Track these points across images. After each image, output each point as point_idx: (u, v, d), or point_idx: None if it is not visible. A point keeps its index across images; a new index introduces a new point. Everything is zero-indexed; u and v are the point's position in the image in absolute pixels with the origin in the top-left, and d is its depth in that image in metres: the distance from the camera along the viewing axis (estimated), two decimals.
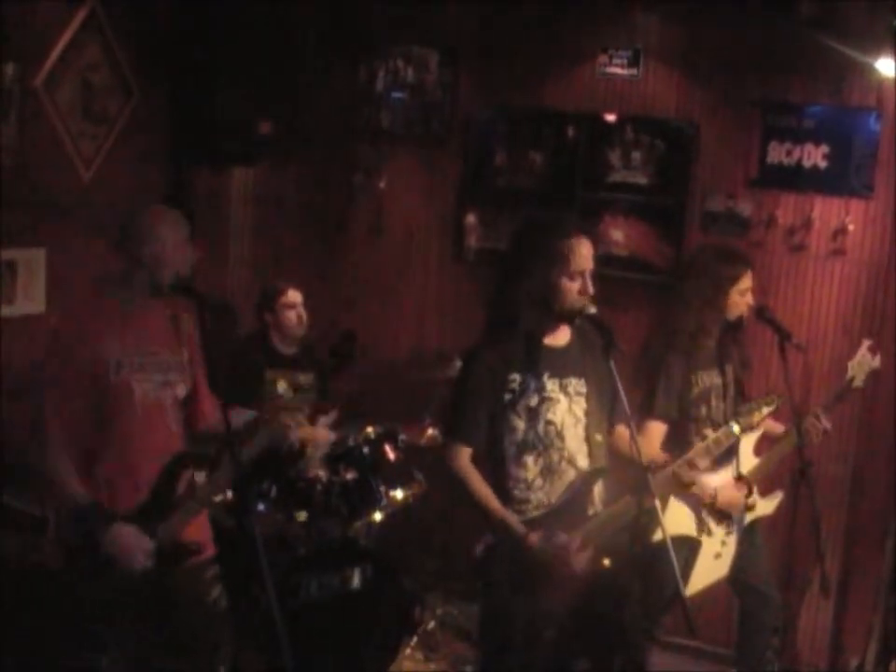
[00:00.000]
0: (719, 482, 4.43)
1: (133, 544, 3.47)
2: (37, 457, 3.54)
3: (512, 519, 3.63)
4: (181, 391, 3.80)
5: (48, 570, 3.65)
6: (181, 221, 3.75)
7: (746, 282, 4.47)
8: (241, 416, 3.89)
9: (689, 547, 4.44)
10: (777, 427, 4.63)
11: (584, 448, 3.74)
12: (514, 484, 3.69)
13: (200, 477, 3.82)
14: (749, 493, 4.48)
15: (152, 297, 3.69)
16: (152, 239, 3.63)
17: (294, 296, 5.36)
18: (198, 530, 3.76)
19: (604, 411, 3.80)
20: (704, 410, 4.47)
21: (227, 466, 3.63)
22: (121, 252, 3.68)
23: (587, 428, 3.74)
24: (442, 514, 5.41)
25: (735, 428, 3.89)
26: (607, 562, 3.64)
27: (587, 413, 3.74)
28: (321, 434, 5.05)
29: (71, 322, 3.66)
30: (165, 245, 3.64)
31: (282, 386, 5.40)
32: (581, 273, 3.62)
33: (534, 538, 3.58)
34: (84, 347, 3.54)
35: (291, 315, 5.35)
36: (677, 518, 4.40)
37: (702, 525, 4.49)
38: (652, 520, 3.57)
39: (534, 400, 3.67)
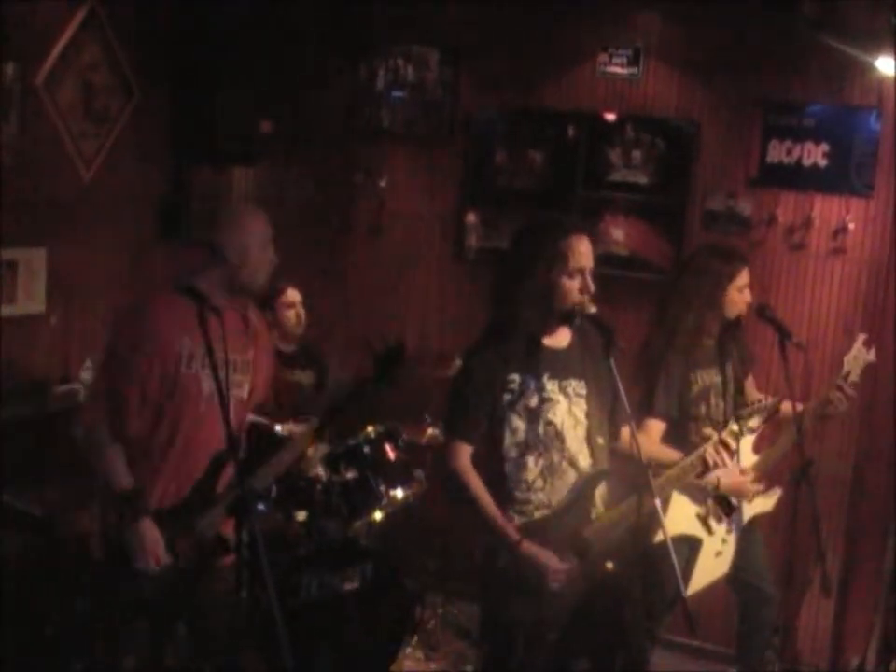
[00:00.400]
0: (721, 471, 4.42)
1: (150, 543, 3.48)
2: (88, 438, 3.55)
3: (508, 524, 3.63)
4: (245, 392, 3.79)
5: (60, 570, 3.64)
6: (268, 224, 3.76)
7: (743, 278, 4.46)
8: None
9: (690, 546, 4.44)
10: (788, 408, 4.57)
11: (585, 449, 3.73)
12: (515, 485, 3.68)
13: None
14: (754, 493, 4.49)
15: (230, 295, 3.68)
16: (241, 236, 3.65)
17: (293, 295, 5.37)
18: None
19: (604, 412, 3.80)
20: (703, 408, 4.47)
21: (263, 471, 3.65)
22: (207, 246, 3.67)
23: (588, 430, 3.73)
24: (443, 514, 5.40)
25: (735, 429, 3.89)
26: (610, 565, 3.64)
27: (588, 416, 3.73)
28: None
29: (143, 305, 3.66)
30: (252, 245, 3.66)
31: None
32: (581, 272, 3.62)
33: (526, 545, 3.58)
34: (156, 331, 3.55)
35: (290, 315, 5.36)
36: (678, 517, 4.40)
37: (703, 524, 4.49)
38: (653, 520, 3.57)
39: (534, 401, 3.66)
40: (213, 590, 3.64)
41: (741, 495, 4.51)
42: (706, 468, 3.88)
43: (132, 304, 3.81)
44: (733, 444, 3.86)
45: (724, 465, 3.88)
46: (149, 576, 3.48)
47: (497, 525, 3.62)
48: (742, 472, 4.47)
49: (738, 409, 4.09)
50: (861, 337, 4.61)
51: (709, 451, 3.84)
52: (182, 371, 3.58)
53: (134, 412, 3.56)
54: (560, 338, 3.75)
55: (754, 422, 3.91)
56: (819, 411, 4.50)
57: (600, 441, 3.75)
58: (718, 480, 4.38)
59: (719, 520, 4.53)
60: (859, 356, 4.57)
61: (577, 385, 3.73)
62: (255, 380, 3.84)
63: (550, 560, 3.58)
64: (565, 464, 3.69)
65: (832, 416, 4.59)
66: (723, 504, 4.53)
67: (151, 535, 3.49)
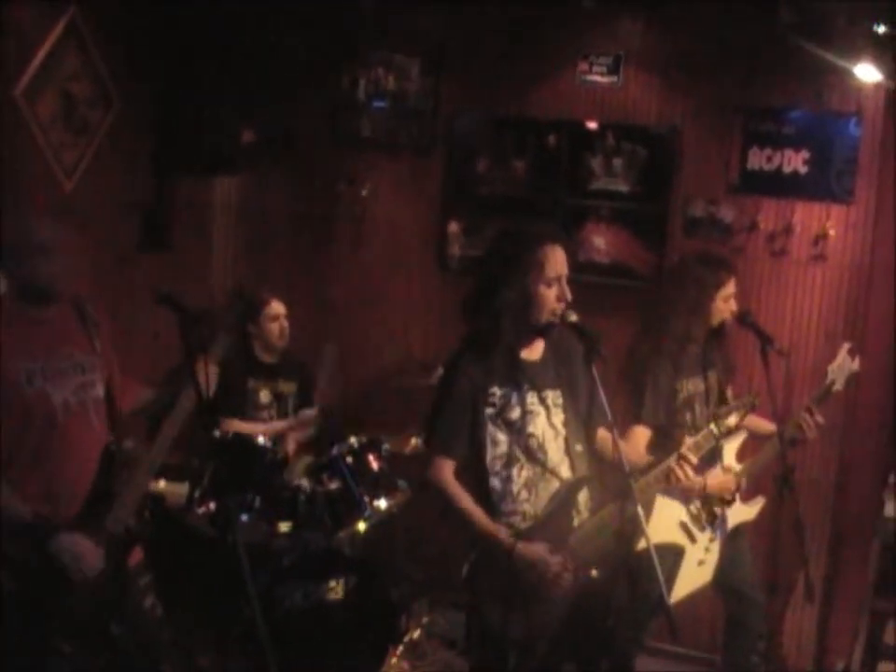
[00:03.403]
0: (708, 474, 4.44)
1: (82, 548, 3.46)
2: None
3: (499, 530, 3.61)
4: (101, 389, 3.76)
5: None
6: (51, 226, 3.66)
7: (730, 288, 4.48)
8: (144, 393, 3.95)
9: (673, 554, 4.44)
10: (764, 424, 4.61)
11: (566, 459, 3.73)
12: (500, 498, 3.66)
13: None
14: (738, 487, 4.50)
15: (42, 305, 3.64)
16: (19, 250, 3.57)
17: (277, 307, 5.37)
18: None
19: (580, 419, 3.80)
20: (688, 416, 4.48)
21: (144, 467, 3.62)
22: (3, 270, 3.62)
23: (567, 439, 3.74)
24: (428, 523, 5.40)
25: (714, 429, 3.89)
26: (595, 572, 3.64)
27: (565, 424, 3.74)
28: (277, 426, 5.17)
29: None
30: (31, 255, 3.56)
31: (264, 395, 5.40)
32: (558, 279, 3.62)
33: (520, 546, 3.57)
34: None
35: (275, 328, 5.36)
36: (661, 526, 4.40)
37: (686, 532, 4.50)
38: (636, 527, 3.56)
39: (515, 413, 3.66)
40: (128, 592, 3.65)
41: (726, 492, 4.52)
42: (668, 482, 3.86)
43: None
44: (694, 459, 3.85)
45: (687, 479, 3.86)
46: (85, 586, 3.45)
47: (488, 531, 3.61)
48: (725, 470, 4.49)
49: (716, 409, 4.11)
50: (846, 346, 4.63)
51: (672, 466, 3.83)
52: (27, 390, 3.54)
53: None
54: (535, 349, 3.76)
55: (732, 420, 3.91)
56: (790, 433, 4.50)
57: (578, 448, 3.75)
58: (704, 482, 4.39)
59: (702, 528, 4.54)
60: (843, 365, 4.59)
61: (554, 396, 3.73)
62: (110, 371, 3.83)
63: (546, 555, 3.56)
64: (548, 475, 3.69)
65: (802, 441, 4.59)
66: (711, 505, 4.53)
67: (80, 543, 3.46)
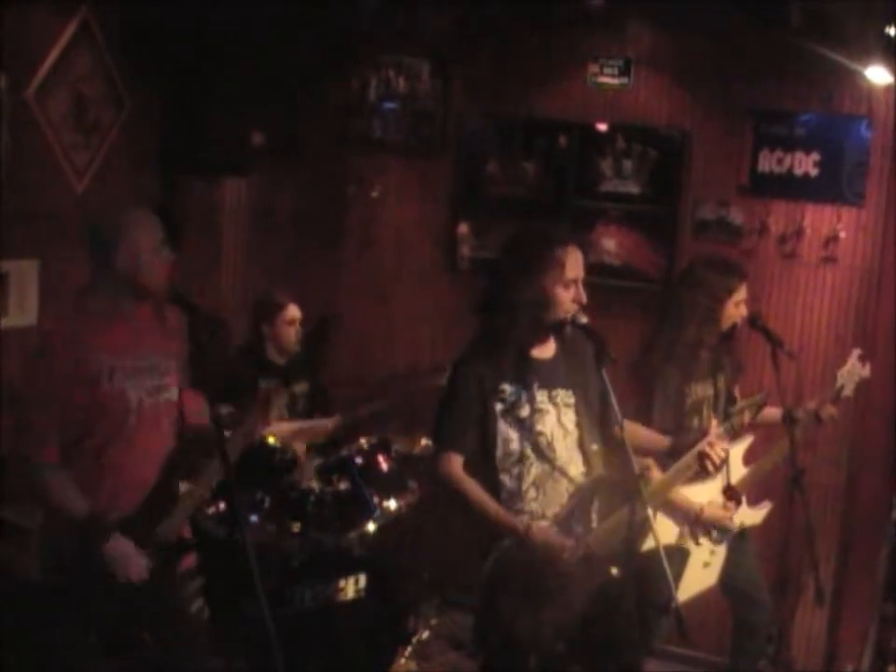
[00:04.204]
0: (706, 496, 4.44)
1: (131, 558, 3.47)
2: (33, 469, 3.51)
3: (512, 517, 3.61)
4: (174, 393, 3.76)
5: (31, 581, 3.62)
6: (156, 224, 3.66)
7: (741, 293, 4.48)
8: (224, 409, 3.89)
9: (678, 556, 4.43)
10: (775, 413, 4.59)
11: (576, 458, 3.74)
12: (508, 496, 3.67)
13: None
14: (738, 504, 4.49)
15: (135, 301, 3.64)
16: (128, 245, 3.56)
17: (293, 311, 5.36)
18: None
19: (594, 420, 3.80)
20: (696, 421, 4.47)
21: (212, 468, 3.63)
22: (92, 261, 3.63)
23: (581, 439, 3.75)
24: (437, 524, 5.40)
25: (728, 428, 3.90)
26: (615, 571, 3.63)
27: (578, 424, 3.75)
28: (285, 428, 5.11)
29: (58, 333, 3.60)
30: (139, 251, 3.57)
31: (276, 396, 5.40)
32: (575, 282, 3.64)
33: (535, 529, 3.56)
34: (74, 357, 3.49)
35: (290, 332, 5.35)
36: (665, 528, 4.39)
37: (690, 535, 4.49)
38: (643, 528, 3.57)
39: (525, 411, 3.67)
40: (173, 596, 3.67)
41: (719, 527, 4.52)
42: (702, 467, 3.88)
43: (46, 331, 3.74)
44: (726, 445, 3.87)
45: (721, 460, 3.87)
46: (126, 591, 3.46)
47: (502, 518, 3.61)
48: (726, 508, 4.47)
49: (729, 409, 4.12)
50: (856, 352, 4.61)
51: (705, 449, 3.84)
52: (105, 387, 3.54)
53: (60, 436, 3.51)
54: (546, 348, 3.77)
55: (745, 418, 3.93)
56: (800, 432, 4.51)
57: (594, 447, 3.77)
58: (702, 508, 4.40)
59: (704, 534, 4.53)
60: (853, 370, 4.58)
61: (564, 395, 3.75)
62: (183, 376, 3.83)
63: (562, 540, 3.57)
64: (556, 473, 3.70)
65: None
66: (702, 531, 4.53)
67: (129, 552, 3.47)
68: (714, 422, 4.04)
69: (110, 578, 3.44)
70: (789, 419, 4.30)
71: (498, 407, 3.66)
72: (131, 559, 3.47)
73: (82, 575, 3.46)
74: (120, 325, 3.62)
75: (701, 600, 4.53)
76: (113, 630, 3.50)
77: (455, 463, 3.67)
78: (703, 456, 3.86)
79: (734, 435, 4.04)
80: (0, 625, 3.72)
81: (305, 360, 5.55)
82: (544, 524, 3.61)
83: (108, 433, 3.57)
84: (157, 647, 3.53)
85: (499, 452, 3.67)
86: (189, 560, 3.80)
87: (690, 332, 4.42)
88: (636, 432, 3.77)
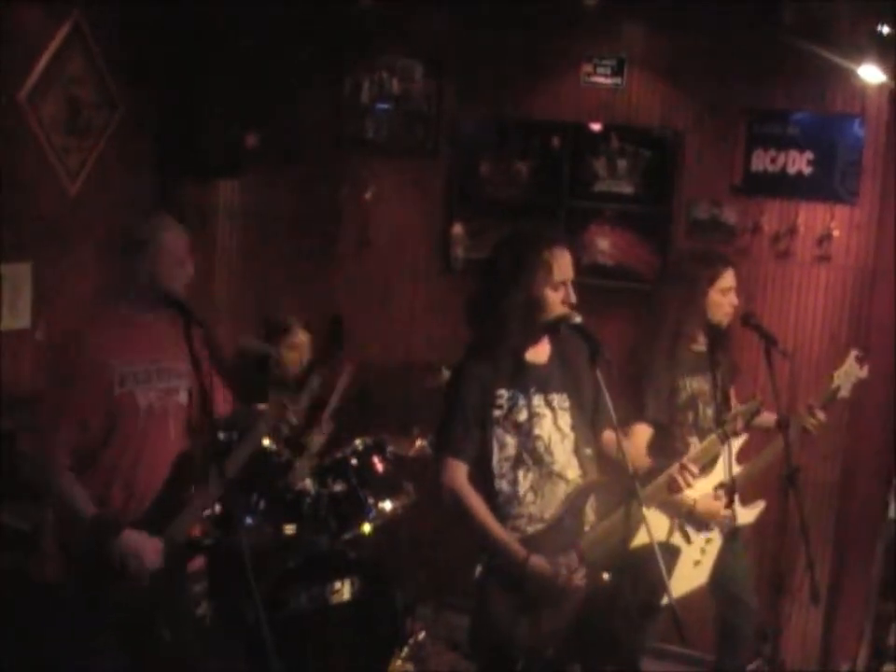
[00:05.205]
0: (699, 491, 4.44)
1: (144, 546, 3.49)
2: (42, 470, 3.54)
3: (513, 542, 3.60)
4: (184, 396, 3.78)
5: (46, 584, 3.63)
6: (183, 232, 3.71)
7: (726, 281, 4.47)
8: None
9: (668, 554, 4.43)
10: (768, 417, 4.59)
11: (573, 461, 3.73)
12: (506, 500, 3.67)
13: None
14: (731, 502, 4.49)
15: (153, 306, 3.66)
16: (153, 249, 3.59)
17: (299, 337, 5.25)
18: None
19: (588, 422, 3.80)
20: (691, 416, 4.47)
21: (215, 479, 3.63)
22: (121, 260, 3.65)
23: (575, 442, 3.74)
24: (433, 525, 5.39)
25: (720, 435, 3.90)
26: (606, 576, 3.64)
27: (573, 428, 3.74)
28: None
29: (71, 334, 3.63)
30: (166, 257, 3.60)
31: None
32: (564, 283, 3.64)
33: (535, 560, 3.57)
34: (87, 360, 3.53)
35: (293, 357, 5.21)
36: (656, 524, 4.38)
37: (681, 533, 4.49)
38: (638, 525, 3.57)
39: (522, 416, 3.67)
40: (182, 597, 3.68)
41: (712, 519, 4.52)
42: (671, 490, 3.89)
43: (64, 334, 3.75)
44: (695, 469, 3.88)
45: (688, 486, 3.88)
46: (139, 584, 3.48)
47: (503, 543, 3.60)
48: (716, 497, 4.47)
49: (721, 416, 4.12)
50: (854, 353, 4.60)
51: (674, 475, 3.85)
52: (116, 392, 3.57)
53: (75, 439, 3.54)
54: (540, 351, 3.76)
55: (739, 424, 3.94)
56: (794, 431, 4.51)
57: (588, 451, 3.76)
58: (694, 502, 4.40)
59: (697, 530, 4.53)
60: (850, 371, 4.56)
61: (560, 399, 3.74)
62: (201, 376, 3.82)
63: (558, 571, 3.56)
64: (554, 477, 3.69)
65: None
66: (694, 525, 4.53)
67: (142, 540, 3.49)
68: (693, 440, 4.04)
69: (124, 574, 3.45)
70: (784, 422, 4.30)
71: (496, 413, 3.65)
72: (145, 549, 3.48)
73: (96, 574, 3.48)
74: (128, 330, 3.64)
75: (697, 599, 4.53)
76: (132, 629, 3.51)
77: (460, 473, 3.65)
78: (672, 481, 3.86)
79: (725, 440, 4.04)
80: (19, 628, 3.75)
81: (309, 373, 5.47)
82: (545, 561, 3.59)
83: (118, 436, 3.60)
84: (174, 644, 3.55)
85: (496, 457, 3.66)
86: (198, 562, 3.82)
87: (669, 322, 4.43)
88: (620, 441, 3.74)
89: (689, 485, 3.87)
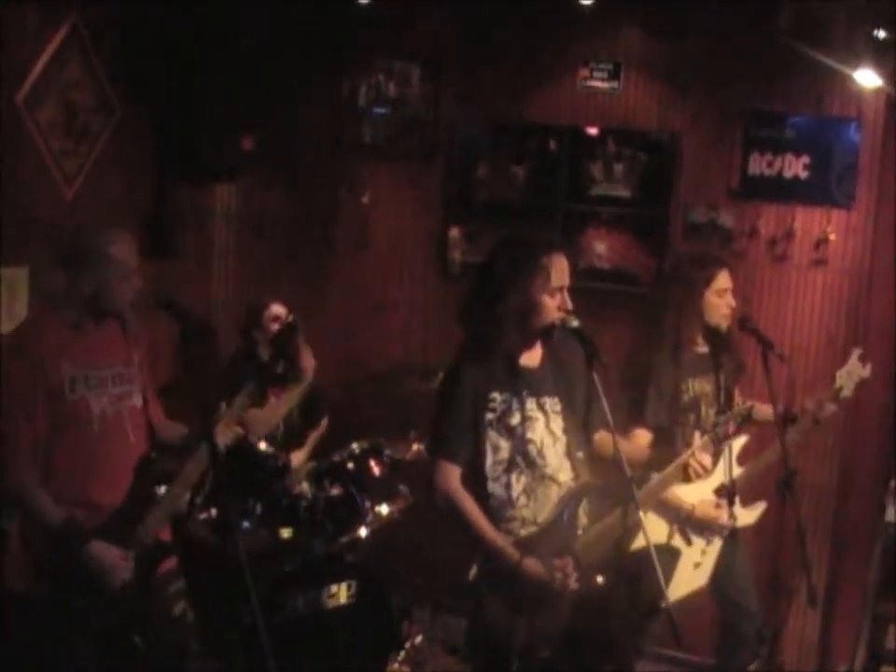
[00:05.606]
0: (698, 495, 4.44)
1: (113, 560, 3.48)
2: (5, 476, 3.50)
3: (506, 544, 3.60)
4: (138, 400, 3.77)
5: (11, 591, 3.60)
6: (133, 246, 3.66)
7: (722, 282, 4.48)
8: (176, 431, 3.96)
9: (669, 555, 4.43)
10: (767, 410, 4.54)
11: (565, 464, 3.74)
12: (498, 503, 3.67)
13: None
14: (731, 504, 4.48)
15: (96, 316, 3.64)
16: (100, 262, 3.56)
17: (277, 309, 5.35)
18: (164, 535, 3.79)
19: (580, 426, 3.81)
20: (693, 417, 4.49)
21: (190, 467, 3.67)
22: (63, 270, 3.62)
23: (568, 446, 3.74)
24: (429, 528, 5.39)
25: (711, 438, 3.92)
26: (600, 579, 3.64)
27: (565, 431, 3.74)
28: (261, 415, 5.04)
29: (25, 341, 3.59)
30: (112, 271, 3.57)
31: (273, 400, 5.37)
32: (561, 289, 3.64)
33: (530, 563, 3.57)
34: (39, 366, 3.50)
35: (276, 328, 5.33)
36: (655, 527, 4.39)
37: (681, 535, 4.49)
38: (635, 528, 3.57)
39: (515, 419, 3.66)
40: (155, 600, 3.66)
41: (710, 525, 4.52)
42: (686, 477, 3.90)
43: (11, 340, 3.69)
44: (707, 457, 3.89)
45: (706, 471, 3.89)
46: (110, 594, 3.47)
47: (496, 545, 3.60)
48: (717, 506, 4.47)
49: (715, 418, 4.14)
50: (857, 352, 4.61)
51: (689, 460, 3.86)
52: (68, 397, 3.55)
53: (32, 447, 3.52)
54: (534, 355, 3.76)
55: (731, 427, 3.95)
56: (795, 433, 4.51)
57: (580, 454, 3.77)
58: (693, 507, 4.40)
59: (697, 533, 4.53)
60: (853, 370, 4.57)
61: (552, 402, 3.74)
62: (144, 384, 3.84)
63: (551, 574, 3.56)
64: (547, 480, 3.69)
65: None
66: (693, 530, 4.53)
67: (110, 553, 3.49)
68: (697, 433, 4.06)
69: (93, 582, 3.45)
70: (782, 423, 4.31)
71: (489, 416, 3.65)
72: (112, 563, 3.48)
73: (62, 581, 3.46)
74: (78, 337, 3.62)
75: (694, 602, 4.53)
76: (104, 636, 3.50)
77: (453, 476, 3.65)
78: (686, 467, 3.87)
79: (717, 444, 4.04)
80: None
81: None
82: (539, 564, 3.59)
83: (75, 443, 3.58)
84: (147, 650, 3.54)
85: (489, 460, 3.66)
86: (171, 562, 3.80)
87: (668, 324, 4.44)
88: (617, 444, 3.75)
89: (705, 469, 3.89)
